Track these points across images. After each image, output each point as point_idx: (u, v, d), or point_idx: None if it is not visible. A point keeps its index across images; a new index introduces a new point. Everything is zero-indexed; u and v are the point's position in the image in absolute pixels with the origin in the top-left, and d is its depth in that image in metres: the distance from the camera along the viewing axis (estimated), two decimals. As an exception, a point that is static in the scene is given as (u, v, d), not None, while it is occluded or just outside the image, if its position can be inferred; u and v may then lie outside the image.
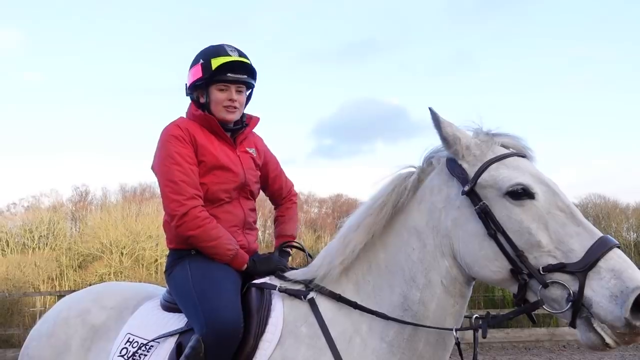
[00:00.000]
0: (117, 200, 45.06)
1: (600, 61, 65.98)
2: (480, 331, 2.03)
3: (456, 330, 2.07)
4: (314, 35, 76.04)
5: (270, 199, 3.00)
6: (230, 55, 2.57)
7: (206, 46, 2.66)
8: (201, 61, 2.59)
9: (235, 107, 2.61)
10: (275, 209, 3.01)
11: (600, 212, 39.56)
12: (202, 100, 2.63)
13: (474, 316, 2.06)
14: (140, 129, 70.60)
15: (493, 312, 2.07)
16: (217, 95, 2.59)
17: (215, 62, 2.54)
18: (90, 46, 68.81)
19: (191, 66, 2.65)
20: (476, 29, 73.61)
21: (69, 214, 44.36)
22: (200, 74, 2.58)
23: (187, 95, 2.73)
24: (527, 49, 69.62)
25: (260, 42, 67.01)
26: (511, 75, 69.93)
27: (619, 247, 1.81)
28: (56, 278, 36.82)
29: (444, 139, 2.10)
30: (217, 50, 2.59)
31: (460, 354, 2.17)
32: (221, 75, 2.56)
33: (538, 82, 70.15)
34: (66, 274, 37.36)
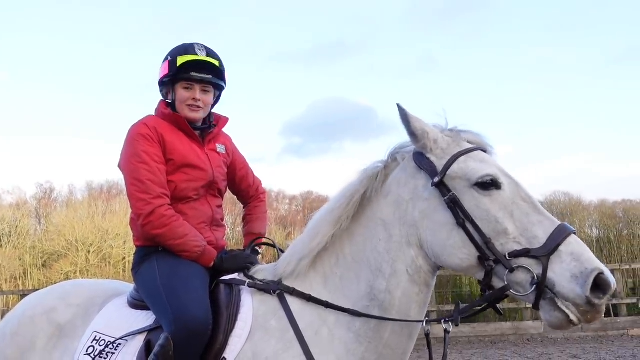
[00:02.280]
0: (84, 197, 44.19)
1: (561, 63, 67.74)
2: (449, 331, 2.10)
3: (426, 322, 2.14)
4: (283, 37, 76.04)
5: (238, 198, 3.00)
6: (197, 55, 2.57)
7: (179, 44, 2.66)
8: (169, 58, 2.60)
9: (198, 107, 2.60)
10: (243, 207, 3.01)
11: (564, 209, 40.54)
12: (169, 97, 2.64)
13: (443, 319, 2.12)
14: (107, 126, 69.37)
15: (461, 306, 2.14)
16: (182, 93, 2.59)
17: (180, 60, 2.55)
18: (55, 46, 67.21)
19: (161, 64, 2.66)
20: (440, 32, 74.78)
21: (33, 212, 43.26)
22: (166, 71, 2.59)
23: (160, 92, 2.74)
24: (490, 52, 70.88)
25: (230, 42, 66.48)
26: (475, 76, 71.22)
27: (575, 234, 1.94)
28: (19, 277, 35.93)
29: (412, 133, 2.17)
30: (186, 48, 2.60)
31: (429, 347, 2.22)
32: (185, 73, 2.56)
33: (501, 83, 71.55)
34: (30, 272, 36.49)
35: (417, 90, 67.01)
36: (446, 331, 2.11)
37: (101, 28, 69.95)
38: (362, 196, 2.25)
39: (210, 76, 2.61)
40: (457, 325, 2.07)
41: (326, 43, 78.72)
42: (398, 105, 2.17)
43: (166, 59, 2.62)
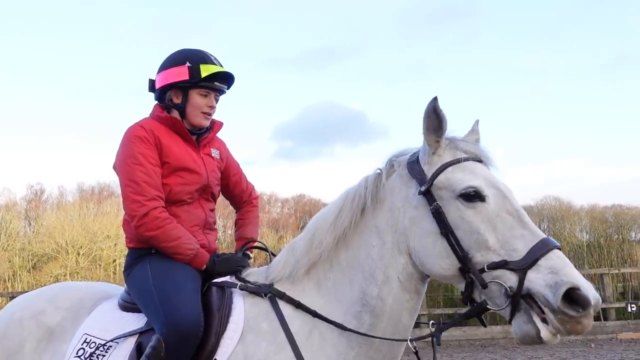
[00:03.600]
0: (74, 199, 43.88)
1: (552, 68, 68.07)
2: (438, 341, 2.10)
3: (412, 340, 2.17)
4: (274, 42, 75.80)
5: (231, 203, 3.02)
6: (215, 65, 2.62)
7: (185, 48, 2.67)
8: (188, 64, 2.58)
9: (210, 114, 2.66)
10: (236, 212, 3.02)
11: (555, 214, 40.73)
12: (177, 101, 2.63)
13: (431, 322, 2.15)
14: (99, 127, 69.01)
15: (451, 311, 2.17)
16: (198, 100, 2.61)
17: (206, 69, 2.57)
18: (47, 45, 66.89)
19: (170, 66, 2.62)
20: (431, 37, 74.95)
21: (23, 213, 42.91)
22: (186, 77, 2.57)
23: (150, 90, 2.72)
24: (480, 57, 71.10)
25: (222, 47, 66.32)
26: (465, 81, 71.35)
27: (559, 249, 1.92)
28: (9, 279, 35.58)
29: (439, 127, 2.10)
30: (203, 57, 2.62)
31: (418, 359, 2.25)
32: (209, 82, 2.59)
33: (493, 88, 71.80)
34: (19, 275, 36.15)
35: (409, 94, 67.19)
36: (434, 342, 2.11)
37: (96, 28, 69.60)
38: (363, 206, 2.25)
39: (226, 86, 2.69)
40: (438, 345, 2.08)
41: (318, 48, 78.82)
42: (435, 98, 2.07)
43: (180, 63, 2.59)
